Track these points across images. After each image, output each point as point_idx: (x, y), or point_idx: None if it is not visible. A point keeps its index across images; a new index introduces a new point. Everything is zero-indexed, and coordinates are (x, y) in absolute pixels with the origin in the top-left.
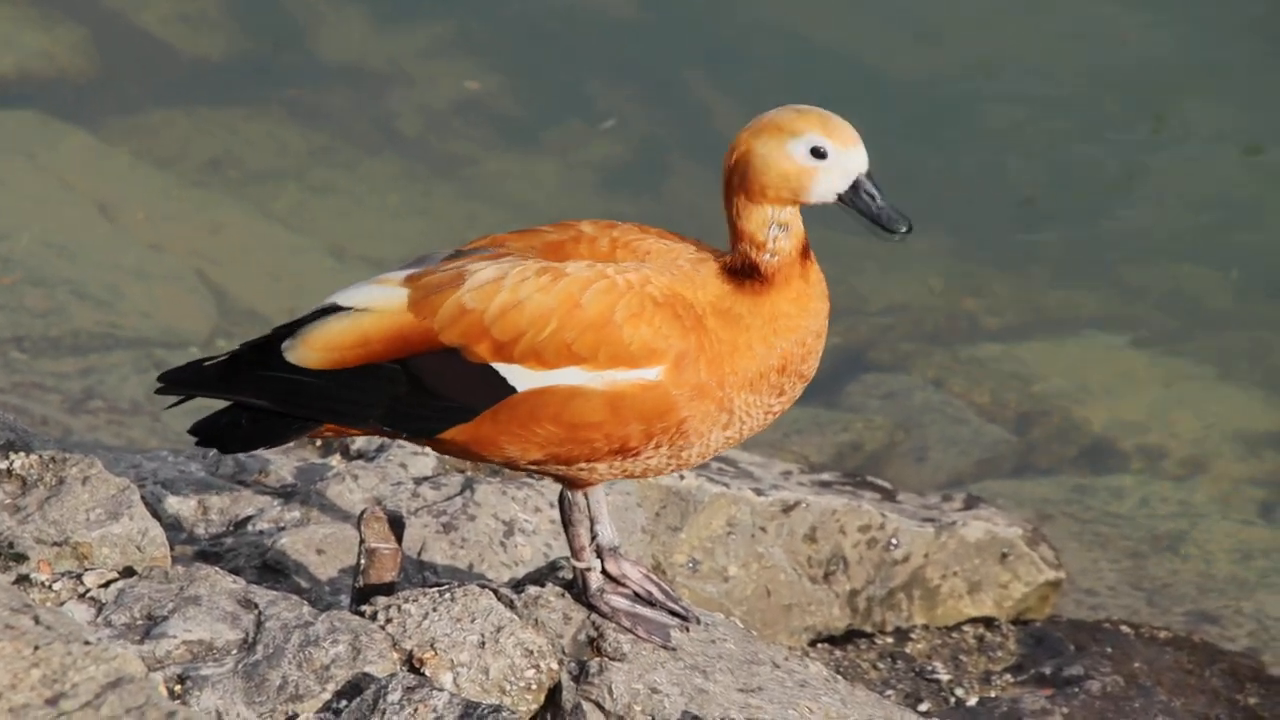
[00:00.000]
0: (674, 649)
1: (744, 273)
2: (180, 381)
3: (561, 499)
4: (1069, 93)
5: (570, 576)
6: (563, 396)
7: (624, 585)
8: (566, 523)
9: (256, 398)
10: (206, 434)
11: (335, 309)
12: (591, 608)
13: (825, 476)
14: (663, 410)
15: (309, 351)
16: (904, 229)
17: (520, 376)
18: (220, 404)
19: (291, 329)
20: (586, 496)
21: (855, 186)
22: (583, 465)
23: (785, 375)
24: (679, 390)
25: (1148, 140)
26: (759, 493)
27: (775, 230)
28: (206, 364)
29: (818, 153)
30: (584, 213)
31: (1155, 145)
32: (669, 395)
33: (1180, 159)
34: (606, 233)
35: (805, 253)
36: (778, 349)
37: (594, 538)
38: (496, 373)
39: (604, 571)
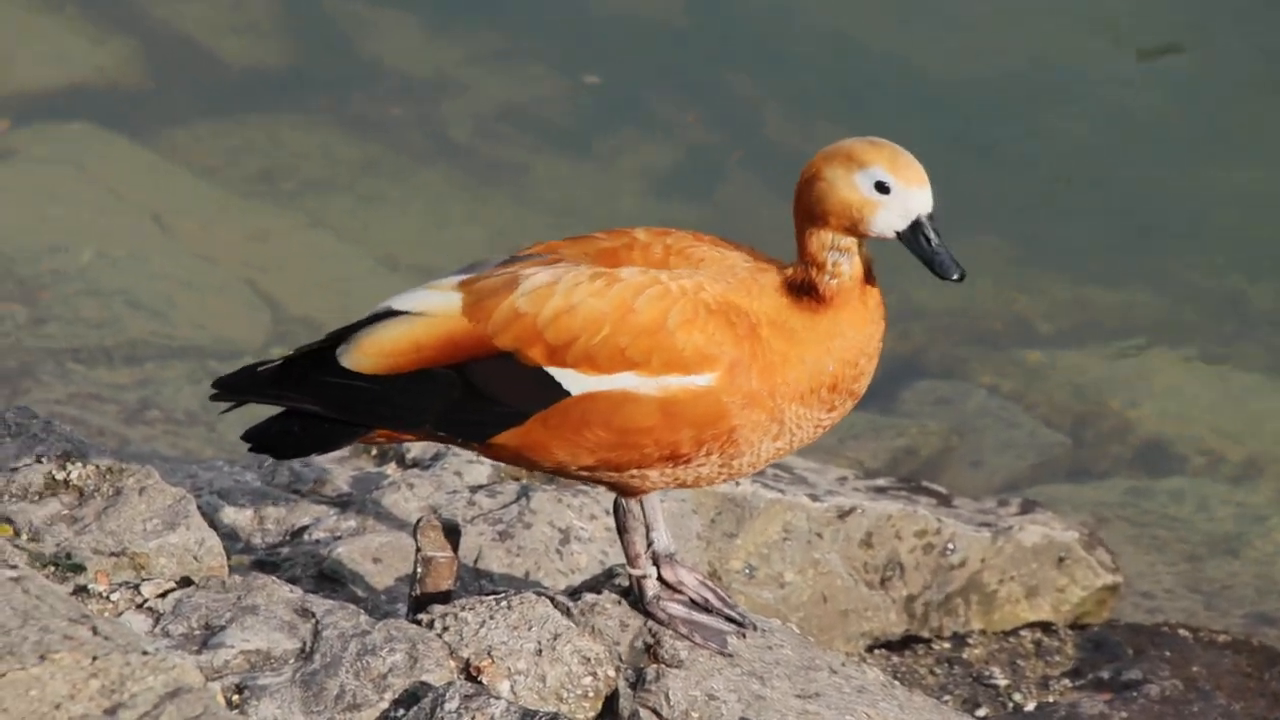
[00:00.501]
0: (731, 655)
1: (803, 289)
2: (234, 387)
3: (616, 506)
4: (1121, 93)
5: (626, 584)
6: (614, 401)
7: (680, 592)
8: (621, 529)
9: (311, 403)
10: (259, 440)
11: (390, 314)
12: (648, 614)
13: (881, 482)
14: (714, 417)
15: (363, 357)
16: (956, 276)
17: (574, 381)
18: (274, 411)
19: (346, 334)
20: (641, 504)
21: (915, 227)
22: (634, 472)
23: (836, 393)
24: (731, 397)
25: (1200, 141)
26: (814, 499)
27: (835, 255)
28: (260, 369)
29: (881, 187)
30: (636, 219)
31: (1206, 147)
32: (721, 402)
33: (1234, 159)
34: (660, 239)
35: (867, 276)
36: (829, 367)
37: (650, 544)
38: (550, 377)
39: (660, 578)
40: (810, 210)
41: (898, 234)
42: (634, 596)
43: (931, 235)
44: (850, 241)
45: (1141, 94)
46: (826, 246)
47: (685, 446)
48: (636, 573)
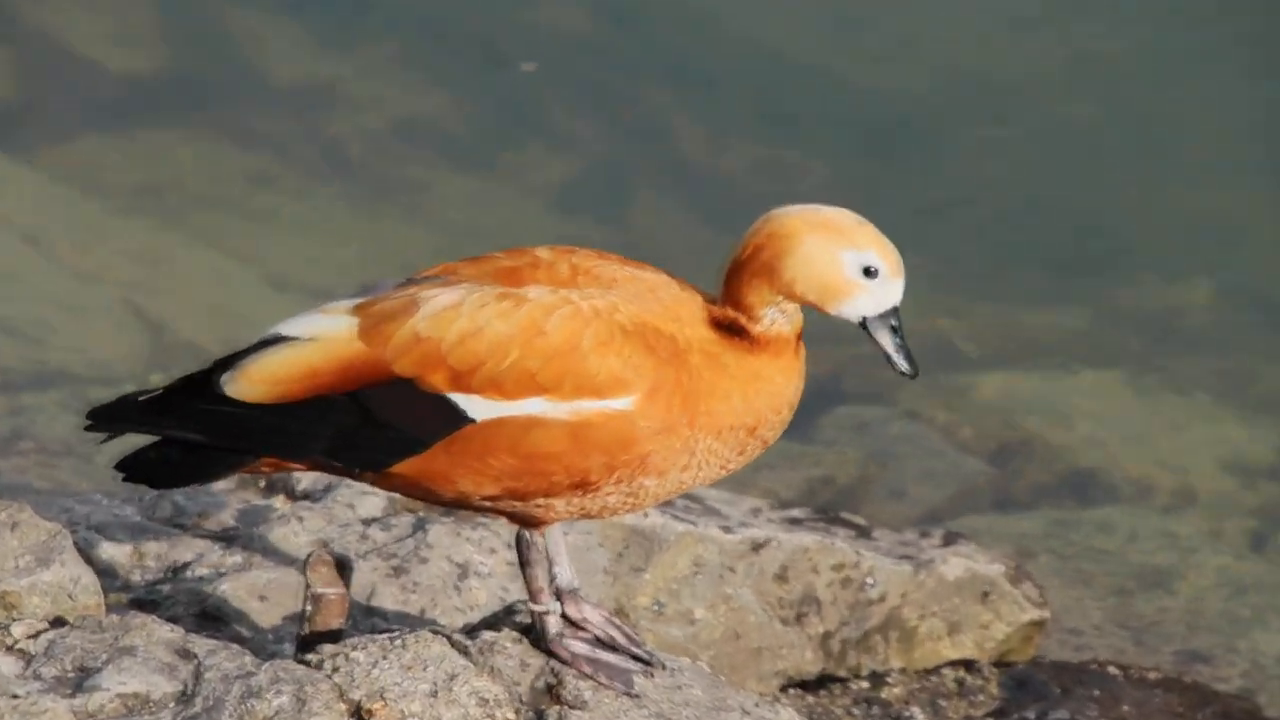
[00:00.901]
0: (637, 695)
1: (732, 330)
2: (111, 417)
3: (519, 539)
4: (1049, 108)
5: (528, 621)
6: (521, 426)
7: (584, 629)
8: (524, 564)
9: (194, 432)
10: (134, 469)
11: (278, 340)
12: (550, 653)
13: (796, 513)
14: (627, 442)
15: (249, 385)
16: (910, 372)
17: (479, 408)
18: (149, 439)
19: (231, 361)
20: (544, 536)
21: (885, 317)
22: (539, 501)
23: (752, 436)
24: (647, 422)
25: (1128, 156)
26: (727, 530)
27: (774, 313)
28: (140, 398)
29: (869, 272)
30: (541, 240)
31: (1137, 160)
32: (636, 426)
33: (1165, 174)
34: (565, 258)
35: (798, 335)
36: (754, 408)
37: (553, 580)
38: (453, 404)
39: (563, 615)
40: (771, 269)
41: (864, 319)
42: (536, 634)
43: (897, 326)
44: (795, 307)
45: (1072, 107)
46: (766, 304)
47: (595, 474)
48: (539, 609)
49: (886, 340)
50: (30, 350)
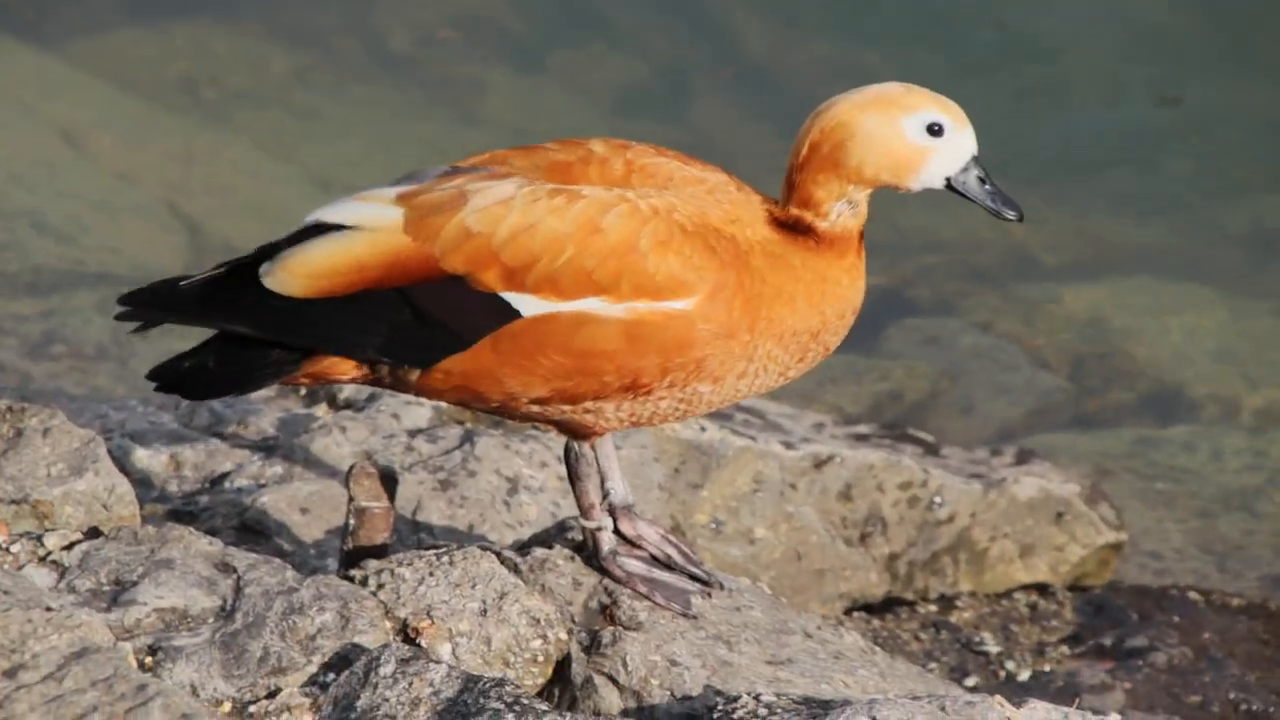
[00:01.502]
0: (695, 617)
1: (795, 229)
2: (146, 303)
3: (568, 451)
4: (1141, 25)
5: (580, 538)
6: (573, 322)
7: (640, 547)
8: (574, 478)
9: (235, 324)
10: (168, 379)
11: (319, 228)
12: (604, 572)
13: (861, 429)
14: (684, 343)
15: (291, 278)
16: (1014, 216)
17: (534, 307)
18: (187, 343)
19: (271, 251)
20: (595, 449)
21: (966, 169)
22: (589, 405)
23: (815, 341)
24: (706, 325)
25: (1219, 71)
26: (788, 446)
27: (842, 206)
28: (181, 284)
29: (934, 130)
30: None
31: (1223, 75)
32: (694, 328)
33: (1252, 89)
34: (620, 154)
35: (860, 233)
36: (820, 311)
37: (605, 495)
38: (508, 304)
39: (617, 531)
40: (833, 160)
41: (948, 180)
42: (588, 551)
43: (984, 175)
44: (864, 195)
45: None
46: (839, 196)
47: (648, 375)
48: (591, 525)
49: (978, 192)
50: (64, 249)
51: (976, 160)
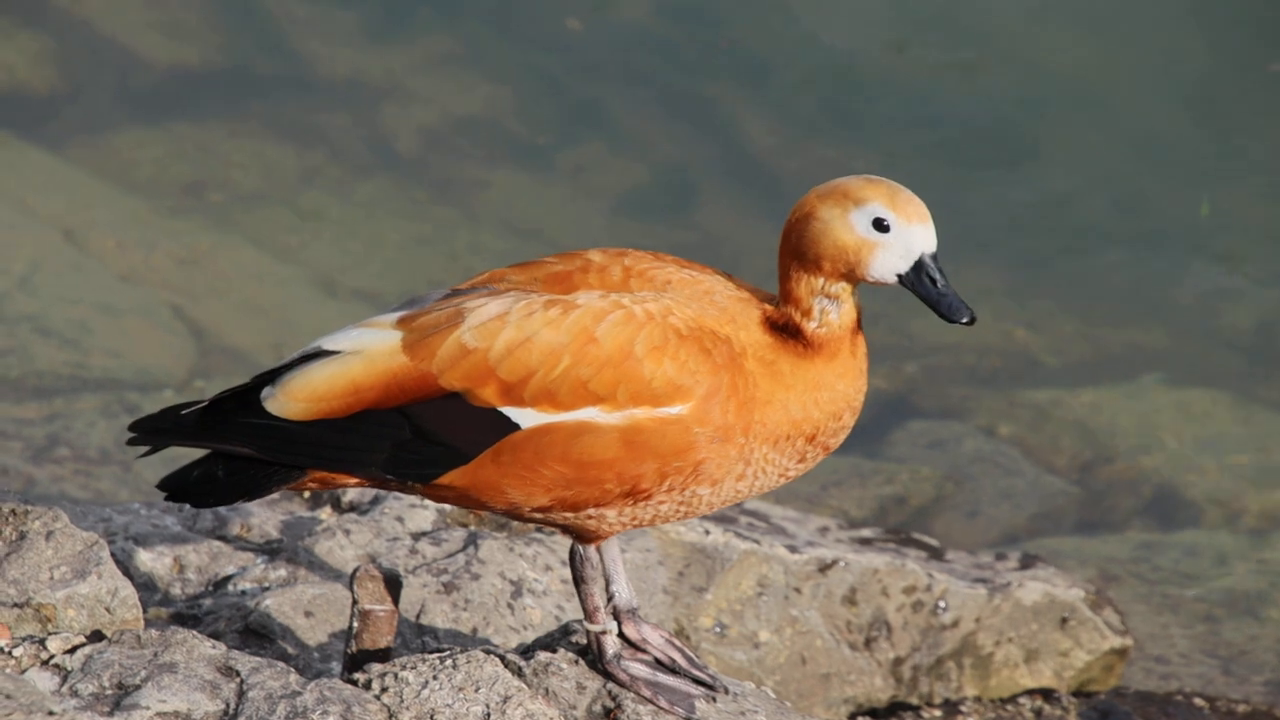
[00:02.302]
0: None
1: (786, 330)
2: (154, 429)
3: (573, 555)
4: (1129, 113)
5: (584, 641)
6: (571, 432)
7: (644, 651)
8: (579, 580)
9: (240, 446)
10: (177, 488)
11: (320, 354)
12: (608, 675)
13: (866, 533)
14: (681, 448)
15: (291, 402)
16: (965, 319)
17: (533, 420)
18: (195, 455)
19: (272, 376)
20: (600, 552)
21: (918, 268)
22: (591, 512)
23: (812, 444)
24: (702, 428)
25: (1214, 166)
26: (793, 550)
27: (823, 302)
28: (184, 411)
29: (880, 225)
30: (602, 241)
31: (1220, 172)
32: (690, 432)
33: (1249, 188)
34: (618, 261)
35: (857, 325)
36: (812, 417)
37: (610, 598)
38: (507, 419)
39: (621, 635)
40: (801, 252)
41: (899, 277)
42: (592, 655)
43: (937, 276)
44: (841, 288)
45: (1164, 109)
46: (815, 293)
47: (648, 480)
48: (595, 629)
49: (927, 292)
50: (68, 354)
51: (933, 258)
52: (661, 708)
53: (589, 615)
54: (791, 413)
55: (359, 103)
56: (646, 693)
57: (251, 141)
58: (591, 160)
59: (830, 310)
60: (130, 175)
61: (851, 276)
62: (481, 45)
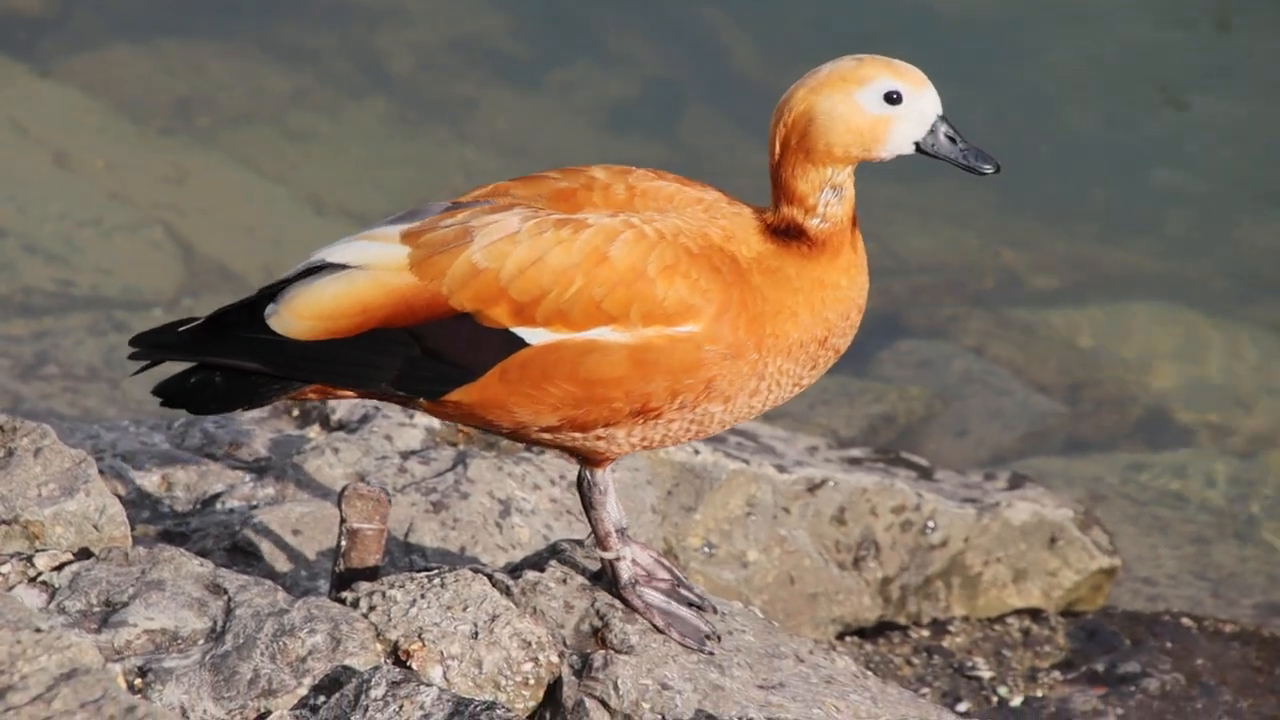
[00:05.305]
0: (711, 654)
1: (788, 234)
2: (157, 345)
3: (580, 480)
4: (1126, 34)
5: (573, 558)
6: (580, 350)
7: (657, 578)
8: (588, 506)
9: (246, 362)
10: (173, 395)
11: (323, 267)
12: (624, 601)
13: (855, 452)
14: (692, 366)
15: (297, 320)
16: (990, 169)
17: (545, 340)
18: (179, 367)
19: (275, 291)
20: (609, 475)
21: (934, 130)
22: (601, 432)
23: (824, 348)
24: (713, 346)
25: (1214, 85)
26: (782, 470)
27: (828, 194)
28: (184, 328)
29: (891, 98)
30: (590, 159)
31: (1221, 90)
32: (701, 350)
33: (1251, 109)
34: (621, 179)
35: (853, 220)
36: (824, 318)
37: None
38: (519, 338)
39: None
40: (809, 147)
41: (917, 145)
42: (606, 581)
43: (954, 133)
44: (847, 175)
45: (1138, 25)
46: (822, 184)
47: (657, 399)
48: (609, 555)
49: (950, 151)
50: (56, 271)
51: (944, 119)
52: (672, 638)
53: (601, 542)
54: (801, 317)
55: (348, 23)
56: (659, 622)
57: (242, 61)
58: (580, 78)
59: (834, 202)
60: (119, 94)
61: (867, 156)
62: None
